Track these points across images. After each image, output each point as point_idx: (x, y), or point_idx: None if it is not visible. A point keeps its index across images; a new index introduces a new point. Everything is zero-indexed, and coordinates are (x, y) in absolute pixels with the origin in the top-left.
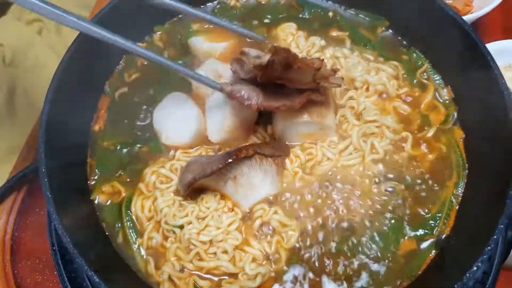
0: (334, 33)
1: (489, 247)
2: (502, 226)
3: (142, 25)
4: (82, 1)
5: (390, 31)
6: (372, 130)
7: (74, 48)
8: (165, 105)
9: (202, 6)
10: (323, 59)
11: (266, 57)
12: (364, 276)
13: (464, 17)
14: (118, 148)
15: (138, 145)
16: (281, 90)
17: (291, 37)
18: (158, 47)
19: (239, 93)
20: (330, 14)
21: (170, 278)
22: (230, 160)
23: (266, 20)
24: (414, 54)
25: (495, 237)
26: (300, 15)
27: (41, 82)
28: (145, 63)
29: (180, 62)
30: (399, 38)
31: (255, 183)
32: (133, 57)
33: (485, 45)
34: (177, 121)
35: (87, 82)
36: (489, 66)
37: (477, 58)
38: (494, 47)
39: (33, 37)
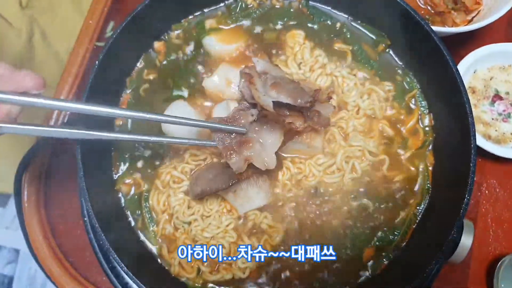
0: (338, 45)
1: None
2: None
3: (159, 23)
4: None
5: (391, 51)
6: (355, 154)
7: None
8: (171, 113)
9: (219, 5)
10: (320, 89)
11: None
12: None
13: (473, 25)
14: (136, 143)
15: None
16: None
17: (298, 47)
18: (175, 44)
19: (227, 156)
20: (338, 25)
21: (179, 263)
22: (233, 182)
23: (278, 26)
24: (407, 78)
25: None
26: (309, 24)
27: (57, 23)
28: (164, 62)
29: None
30: (396, 59)
31: (251, 196)
32: (152, 57)
33: (483, 47)
34: (183, 127)
35: (111, 79)
36: (462, 103)
37: (455, 92)
38: (495, 49)
39: None
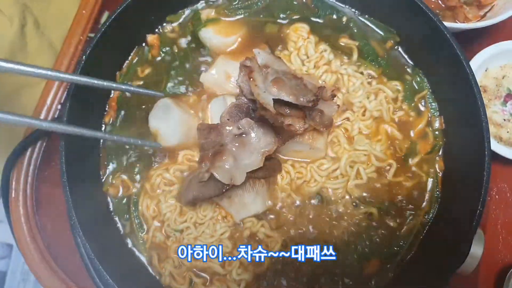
0: (344, 41)
1: None
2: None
3: (153, 14)
4: None
5: (399, 48)
6: (360, 158)
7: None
8: (156, 112)
9: None
10: (324, 86)
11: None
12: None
13: (487, 21)
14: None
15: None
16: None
17: (301, 41)
18: (170, 38)
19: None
20: (344, 19)
21: (170, 273)
22: (226, 188)
23: (280, 20)
24: (417, 77)
25: None
26: (314, 18)
27: (51, 12)
28: (158, 57)
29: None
30: (406, 57)
31: (247, 202)
32: (144, 51)
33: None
34: (167, 126)
35: (101, 73)
36: (476, 106)
37: (468, 94)
38: (509, 47)
39: None
